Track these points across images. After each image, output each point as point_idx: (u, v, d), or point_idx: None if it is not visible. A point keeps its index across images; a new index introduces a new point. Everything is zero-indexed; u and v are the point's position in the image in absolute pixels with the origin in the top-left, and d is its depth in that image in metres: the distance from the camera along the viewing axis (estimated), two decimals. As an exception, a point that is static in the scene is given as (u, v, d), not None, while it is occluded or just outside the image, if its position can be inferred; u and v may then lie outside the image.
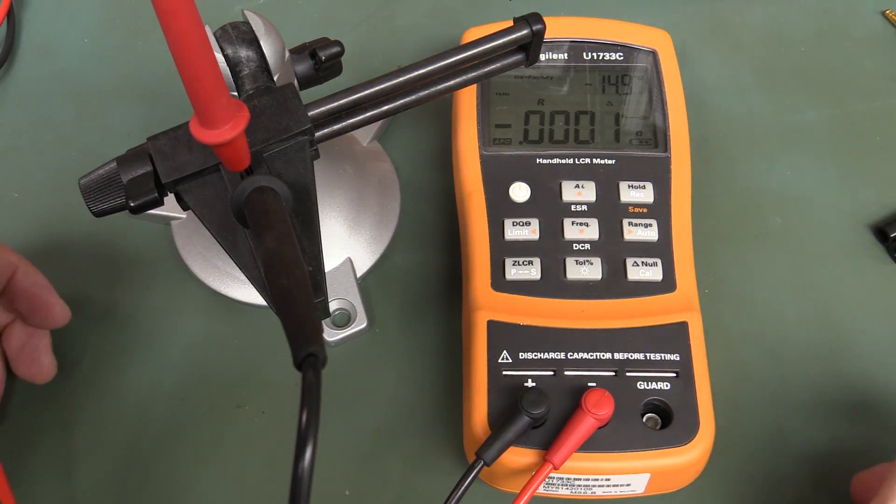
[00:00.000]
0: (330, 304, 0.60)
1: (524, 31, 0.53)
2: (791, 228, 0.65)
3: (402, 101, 0.54)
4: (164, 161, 0.48)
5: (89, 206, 0.49)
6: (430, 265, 0.64)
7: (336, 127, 0.52)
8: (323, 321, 0.59)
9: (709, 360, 0.53)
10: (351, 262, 0.62)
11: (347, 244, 0.62)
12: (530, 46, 0.55)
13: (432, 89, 0.54)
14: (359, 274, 0.62)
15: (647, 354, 0.52)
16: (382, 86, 0.52)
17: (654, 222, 0.57)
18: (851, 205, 0.66)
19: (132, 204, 0.48)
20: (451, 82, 0.54)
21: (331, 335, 0.60)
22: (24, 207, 0.67)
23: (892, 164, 0.67)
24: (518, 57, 0.55)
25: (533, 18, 0.53)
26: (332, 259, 0.62)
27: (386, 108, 0.53)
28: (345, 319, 0.61)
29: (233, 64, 0.51)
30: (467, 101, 0.62)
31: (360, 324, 0.60)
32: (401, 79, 0.52)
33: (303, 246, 0.47)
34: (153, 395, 0.58)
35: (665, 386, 0.51)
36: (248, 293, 0.61)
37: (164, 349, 0.60)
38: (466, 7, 0.76)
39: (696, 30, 0.75)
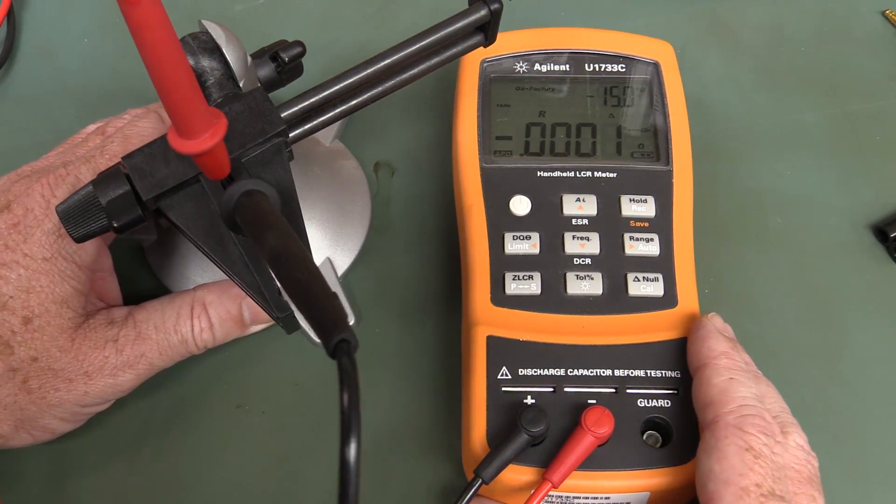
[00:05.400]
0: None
1: (482, 12, 0.54)
2: (791, 228, 0.65)
3: (369, 94, 0.54)
4: (142, 178, 0.48)
5: (70, 231, 0.49)
6: (424, 261, 0.64)
7: (308, 126, 0.53)
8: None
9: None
10: (330, 261, 0.62)
11: (325, 244, 0.62)
12: (488, 26, 0.55)
13: (397, 79, 0.54)
14: (339, 273, 0.62)
15: (648, 371, 0.52)
16: (350, 80, 0.52)
17: (655, 237, 0.56)
18: (851, 205, 0.66)
19: (116, 224, 0.48)
20: (415, 70, 0.55)
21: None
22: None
23: (892, 164, 0.67)
24: (477, 38, 0.55)
25: None
26: None
27: (355, 102, 0.54)
28: (333, 319, 0.61)
29: (198, 74, 0.51)
30: (467, 113, 0.62)
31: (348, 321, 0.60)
32: (367, 71, 0.52)
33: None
34: (153, 396, 0.59)
35: (665, 403, 0.51)
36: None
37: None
38: (466, 6, 0.75)
39: (697, 30, 0.75)
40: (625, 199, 0.58)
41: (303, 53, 0.54)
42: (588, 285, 0.55)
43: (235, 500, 0.56)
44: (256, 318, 0.58)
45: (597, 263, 0.56)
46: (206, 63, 0.51)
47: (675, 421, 0.51)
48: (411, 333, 0.61)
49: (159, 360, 0.55)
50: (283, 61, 0.53)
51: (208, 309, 0.56)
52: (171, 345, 0.55)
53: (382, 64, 0.52)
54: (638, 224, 0.57)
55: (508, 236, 0.57)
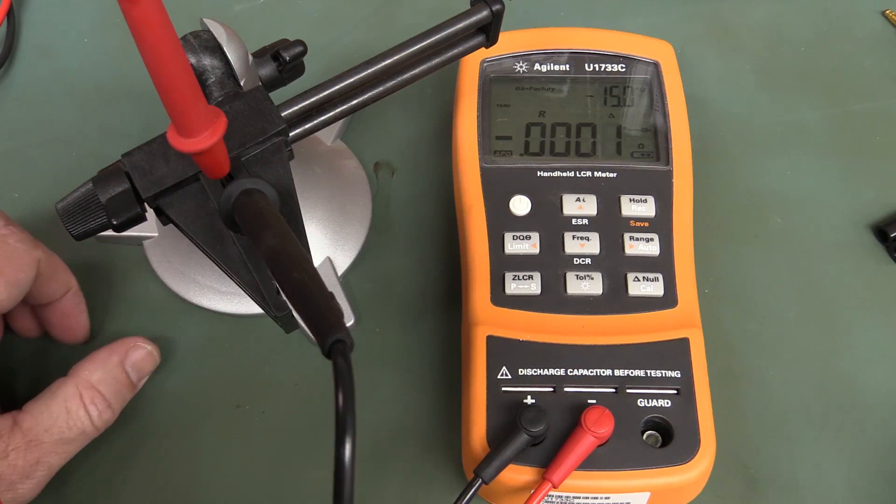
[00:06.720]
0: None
1: (484, 13, 0.54)
2: (791, 228, 0.65)
3: (370, 94, 0.54)
4: (142, 177, 0.48)
5: (69, 229, 0.49)
6: (424, 261, 0.64)
7: (308, 125, 0.53)
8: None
9: (708, 359, 0.54)
10: (331, 261, 0.62)
11: (325, 244, 0.62)
12: (490, 27, 0.55)
13: (398, 79, 0.54)
14: (339, 272, 0.62)
15: (648, 371, 0.52)
16: (350, 80, 0.52)
17: (655, 237, 0.57)
18: (851, 205, 0.66)
19: (115, 222, 0.48)
20: (416, 70, 0.55)
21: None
22: (24, 207, 0.67)
23: (892, 164, 0.67)
24: (479, 39, 0.56)
25: None
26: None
27: (355, 102, 0.54)
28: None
29: (199, 73, 0.51)
30: (468, 113, 0.62)
31: (347, 320, 0.60)
32: (367, 71, 0.52)
33: (292, 245, 0.48)
34: (153, 396, 0.59)
35: (666, 403, 0.51)
36: (229, 305, 0.61)
37: (163, 352, 0.60)
38: (466, 7, 0.74)
39: (696, 30, 0.75)
40: (625, 199, 0.58)
41: (304, 53, 0.54)
42: (588, 285, 0.55)
43: (235, 499, 0.56)
44: (142, 373, 0.57)
45: (597, 263, 0.56)
46: (208, 61, 0.51)
47: (675, 421, 0.51)
48: (411, 333, 0.61)
49: (59, 459, 0.52)
50: (284, 60, 0.53)
51: (99, 387, 0.54)
52: (69, 441, 0.52)
53: (383, 64, 0.52)
54: (638, 224, 0.57)
55: (508, 236, 0.57)
